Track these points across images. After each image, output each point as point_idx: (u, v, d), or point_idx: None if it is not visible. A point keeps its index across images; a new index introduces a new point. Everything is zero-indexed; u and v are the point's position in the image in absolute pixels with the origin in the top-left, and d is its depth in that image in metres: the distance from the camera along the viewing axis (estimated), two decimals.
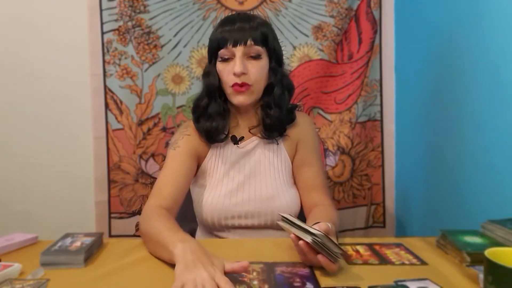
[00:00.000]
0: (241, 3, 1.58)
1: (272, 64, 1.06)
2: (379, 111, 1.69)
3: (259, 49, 1.01)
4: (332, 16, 1.60)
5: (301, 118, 1.15)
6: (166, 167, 1.06)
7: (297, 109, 1.15)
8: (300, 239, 0.77)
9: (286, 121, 1.09)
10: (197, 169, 1.11)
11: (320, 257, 0.74)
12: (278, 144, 1.11)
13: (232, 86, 1.01)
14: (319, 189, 1.09)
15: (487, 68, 1.13)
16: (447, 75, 1.35)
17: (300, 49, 1.61)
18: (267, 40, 1.03)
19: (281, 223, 0.85)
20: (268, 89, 1.06)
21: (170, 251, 0.75)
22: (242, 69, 0.98)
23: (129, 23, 1.53)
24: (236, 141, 1.09)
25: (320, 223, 0.80)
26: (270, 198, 1.05)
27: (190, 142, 1.08)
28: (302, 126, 1.13)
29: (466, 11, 1.24)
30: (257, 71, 1.01)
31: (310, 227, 0.76)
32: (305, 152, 1.12)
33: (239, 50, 0.99)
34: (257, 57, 1.01)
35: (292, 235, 0.79)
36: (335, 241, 0.77)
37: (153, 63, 1.56)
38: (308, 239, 0.74)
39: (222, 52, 1.01)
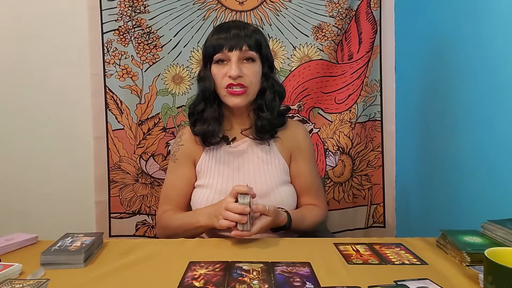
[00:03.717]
0: (241, 3, 1.58)
1: (264, 69, 1.11)
2: (379, 111, 1.68)
3: (253, 53, 1.07)
4: (332, 16, 1.60)
5: (297, 129, 1.20)
6: (168, 177, 1.20)
7: (298, 109, 1.19)
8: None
9: (277, 124, 1.14)
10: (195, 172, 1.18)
11: (233, 233, 0.92)
12: (269, 145, 1.15)
13: (227, 86, 1.05)
14: (310, 194, 1.18)
15: (486, 68, 1.13)
16: (447, 75, 1.35)
17: (300, 49, 1.60)
18: (261, 47, 1.09)
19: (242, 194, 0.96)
20: (261, 93, 1.12)
21: (200, 226, 1.02)
22: (238, 72, 1.03)
23: (129, 23, 1.53)
24: (228, 140, 1.14)
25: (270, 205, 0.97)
26: (264, 195, 1.08)
27: (185, 151, 1.17)
28: (297, 137, 1.18)
29: (465, 11, 1.24)
30: (252, 74, 1.07)
31: (249, 201, 0.93)
32: (302, 163, 1.17)
33: (234, 55, 1.04)
34: (251, 60, 1.07)
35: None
36: (261, 222, 0.94)
37: (153, 63, 1.56)
38: (244, 201, 0.92)
39: (218, 56, 1.07)
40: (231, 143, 1.14)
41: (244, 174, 1.11)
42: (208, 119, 1.11)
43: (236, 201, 0.94)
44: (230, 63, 1.05)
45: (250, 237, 0.94)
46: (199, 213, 1.04)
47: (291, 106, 1.60)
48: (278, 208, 1.01)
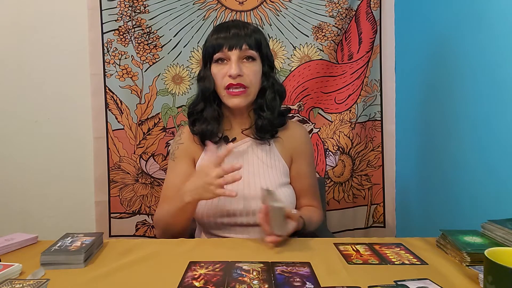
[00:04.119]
0: (241, 3, 1.58)
1: (265, 69, 1.10)
2: (379, 111, 1.69)
3: (253, 52, 1.06)
4: (332, 16, 1.60)
5: (298, 130, 1.20)
6: (168, 177, 1.16)
7: (298, 109, 1.18)
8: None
9: (278, 124, 1.13)
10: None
11: (268, 239, 0.89)
12: (270, 145, 1.14)
13: (227, 87, 1.05)
14: (309, 195, 1.18)
15: (486, 69, 1.13)
16: (447, 75, 1.35)
17: (300, 49, 1.61)
18: (261, 46, 1.08)
19: (263, 192, 0.96)
20: (261, 93, 1.11)
21: (186, 204, 0.97)
22: (238, 71, 1.03)
23: (129, 23, 1.53)
24: (228, 141, 1.13)
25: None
26: None
27: (185, 150, 1.15)
28: (298, 139, 1.18)
29: (465, 11, 1.24)
30: (252, 74, 1.06)
31: (280, 202, 0.90)
32: (302, 164, 1.17)
33: (234, 54, 1.04)
34: (251, 59, 1.06)
35: (263, 205, 0.92)
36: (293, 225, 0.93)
37: (153, 63, 1.56)
38: (278, 204, 0.89)
39: (218, 55, 1.06)
40: (231, 143, 1.13)
41: (244, 175, 1.09)
42: (207, 118, 1.10)
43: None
44: (230, 63, 1.04)
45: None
46: (181, 194, 0.99)
47: (291, 106, 1.60)
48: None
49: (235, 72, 1.02)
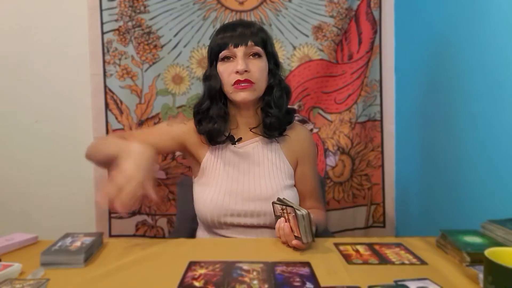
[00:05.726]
0: (241, 3, 1.58)
1: (271, 66, 1.10)
2: (379, 111, 1.69)
3: (259, 49, 1.06)
4: (332, 16, 1.60)
5: (303, 132, 1.20)
6: (147, 128, 1.16)
7: (297, 109, 1.18)
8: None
9: (285, 121, 1.13)
10: (198, 168, 1.15)
11: (294, 242, 0.87)
12: (278, 142, 1.14)
13: (234, 84, 1.04)
14: (313, 197, 1.19)
15: (486, 68, 1.13)
16: (446, 75, 1.35)
17: (300, 49, 1.61)
18: (266, 44, 1.08)
19: (276, 204, 0.94)
20: (268, 90, 1.11)
21: (123, 147, 0.95)
22: (245, 67, 1.02)
23: (129, 23, 1.53)
24: (233, 140, 1.12)
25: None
26: (269, 198, 1.05)
27: (183, 132, 1.13)
28: (303, 141, 1.18)
29: (465, 11, 1.24)
30: (258, 70, 1.05)
31: (303, 209, 0.86)
32: (307, 167, 1.17)
33: (240, 50, 1.04)
34: (257, 55, 1.06)
35: (282, 218, 0.91)
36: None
37: (153, 63, 1.56)
38: (303, 211, 0.84)
39: (224, 53, 1.05)
40: (236, 143, 1.12)
41: (250, 176, 1.09)
42: (213, 116, 1.08)
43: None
44: (236, 59, 1.04)
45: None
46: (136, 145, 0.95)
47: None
48: None
49: (242, 67, 1.02)
